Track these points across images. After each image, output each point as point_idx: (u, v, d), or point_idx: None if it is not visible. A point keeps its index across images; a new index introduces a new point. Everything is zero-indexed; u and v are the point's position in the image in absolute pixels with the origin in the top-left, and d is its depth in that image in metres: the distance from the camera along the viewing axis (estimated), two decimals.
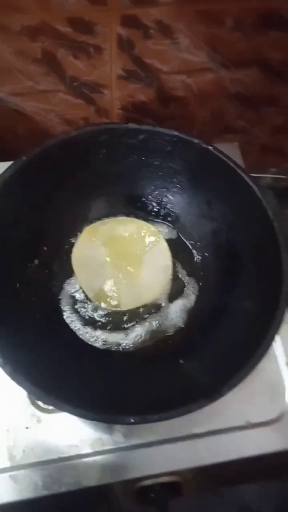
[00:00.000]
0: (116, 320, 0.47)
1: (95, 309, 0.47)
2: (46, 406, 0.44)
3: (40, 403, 0.44)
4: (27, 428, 0.43)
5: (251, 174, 0.43)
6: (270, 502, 0.58)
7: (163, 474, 0.43)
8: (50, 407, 0.44)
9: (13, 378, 0.32)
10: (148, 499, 0.44)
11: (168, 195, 0.49)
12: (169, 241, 0.50)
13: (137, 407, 0.33)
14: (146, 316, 0.47)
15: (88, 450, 0.42)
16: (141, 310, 0.47)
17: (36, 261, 0.45)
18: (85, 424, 0.43)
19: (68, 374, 0.36)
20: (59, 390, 0.33)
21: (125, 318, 0.47)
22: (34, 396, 0.32)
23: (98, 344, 0.44)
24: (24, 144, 0.58)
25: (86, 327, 0.45)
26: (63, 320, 0.45)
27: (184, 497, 0.47)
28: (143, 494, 0.44)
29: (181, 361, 0.41)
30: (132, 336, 0.45)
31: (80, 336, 0.45)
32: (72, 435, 0.43)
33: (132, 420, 0.32)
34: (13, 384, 0.44)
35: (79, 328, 0.45)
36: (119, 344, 0.45)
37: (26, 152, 0.41)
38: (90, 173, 0.45)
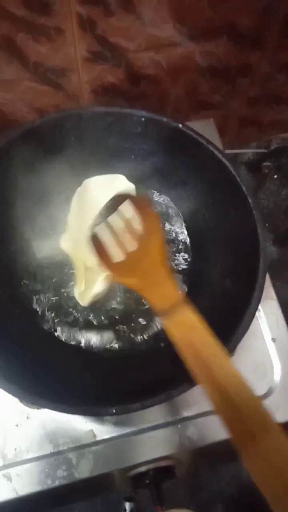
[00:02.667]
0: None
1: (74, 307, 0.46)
2: None
3: None
4: (17, 425, 0.43)
5: (232, 150, 0.42)
6: None
7: (156, 459, 0.43)
8: None
9: None
10: (143, 484, 0.44)
11: (141, 177, 0.48)
12: None
13: (119, 398, 0.33)
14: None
15: (80, 442, 0.42)
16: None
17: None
18: (75, 417, 0.43)
19: (47, 371, 0.36)
20: (37, 388, 0.32)
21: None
22: (13, 395, 0.31)
23: (75, 342, 0.43)
24: None
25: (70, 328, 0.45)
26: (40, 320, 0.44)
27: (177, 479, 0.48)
28: (137, 480, 0.45)
29: (162, 344, 0.40)
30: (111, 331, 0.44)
31: (58, 336, 0.44)
32: (63, 429, 0.43)
33: (113, 411, 0.31)
34: None
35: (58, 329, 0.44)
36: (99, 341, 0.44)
37: None
38: (60, 163, 0.44)
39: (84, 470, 0.41)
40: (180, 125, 0.41)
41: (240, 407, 0.29)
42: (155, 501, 0.43)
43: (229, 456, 0.58)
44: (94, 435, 0.43)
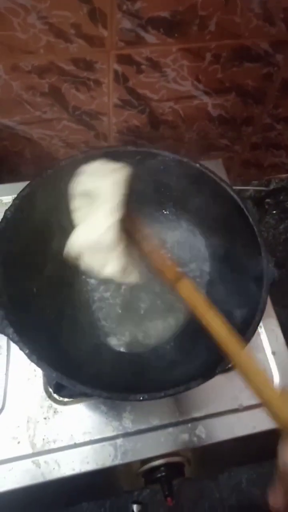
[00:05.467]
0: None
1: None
2: (61, 399, 0.49)
3: (56, 396, 0.49)
4: (45, 418, 0.48)
5: (236, 187, 0.49)
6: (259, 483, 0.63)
7: (167, 454, 0.48)
8: (66, 399, 0.49)
9: (39, 365, 0.37)
10: (155, 479, 0.49)
11: (162, 206, 0.56)
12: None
13: (145, 388, 0.39)
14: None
15: (100, 435, 0.48)
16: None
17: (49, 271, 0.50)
18: (96, 413, 0.49)
19: (84, 362, 0.42)
20: (78, 375, 0.38)
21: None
22: (58, 379, 0.37)
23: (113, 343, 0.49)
24: (29, 166, 0.65)
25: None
26: (80, 316, 0.50)
27: (186, 480, 0.53)
28: (149, 475, 0.49)
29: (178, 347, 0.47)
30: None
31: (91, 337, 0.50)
32: (86, 423, 0.48)
33: (141, 398, 0.37)
34: (32, 381, 0.49)
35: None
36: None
37: (32, 174, 0.47)
38: None
39: (104, 460, 0.46)
40: (198, 165, 0.50)
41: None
42: (167, 494, 0.48)
43: (231, 461, 0.62)
44: (113, 430, 0.48)
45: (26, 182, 0.46)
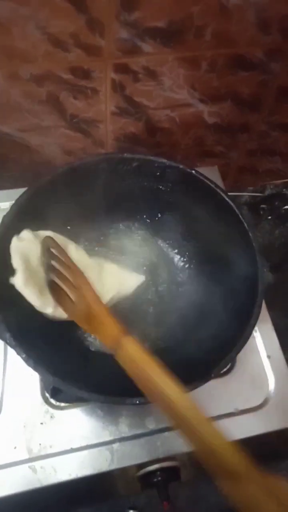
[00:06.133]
0: None
1: None
2: (58, 404, 0.50)
3: (53, 401, 0.49)
4: (42, 424, 0.48)
5: (231, 193, 0.50)
6: None
7: (163, 459, 0.48)
8: (62, 404, 0.49)
9: (36, 370, 0.38)
10: (151, 483, 0.49)
11: (159, 212, 0.56)
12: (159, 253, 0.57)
13: (141, 392, 0.39)
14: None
15: (97, 440, 0.48)
16: None
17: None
18: (92, 418, 0.49)
19: (81, 368, 0.42)
20: (75, 380, 0.39)
21: None
22: (55, 384, 0.37)
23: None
24: (27, 173, 0.66)
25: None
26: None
27: (182, 483, 0.53)
28: (146, 479, 0.50)
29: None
30: None
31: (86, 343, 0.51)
32: (82, 428, 0.48)
33: (137, 401, 0.38)
34: (29, 386, 0.50)
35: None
36: None
37: (30, 180, 0.47)
38: (91, 196, 0.52)
39: (101, 464, 0.46)
40: (193, 171, 0.50)
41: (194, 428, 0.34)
42: (163, 498, 0.48)
43: None
44: (110, 434, 0.48)
45: (24, 189, 0.47)
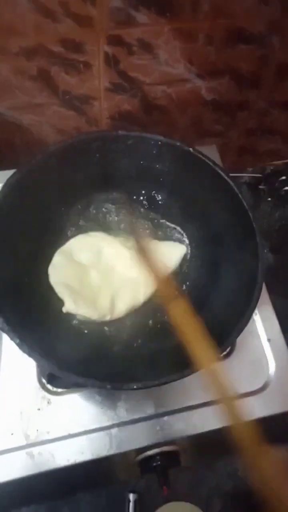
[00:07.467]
0: None
1: None
2: (55, 389, 0.49)
3: (49, 386, 0.48)
4: (38, 409, 0.47)
5: (230, 174, 0.48)
6: None
7: (163, 443, 0.47)
8: (59, 390, 0.48)
9: (30, 356, 0.37)
10: (150, 468, 0.49)
11: (156, 193, 0.55)
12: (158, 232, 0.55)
13: (139, 377, 0.38)
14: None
15: (95, 425, 0.47)
16: None
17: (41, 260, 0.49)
18: (90, 403, 0.48)
19: (78, 353, 0.41)
20: (71, 365, 0.37)
21: None
22: (50, 370, 0.36)
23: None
24: (20, 154, 0.64)
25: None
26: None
27: (181, 468, 0.52)
28: (145, 464, 0.49)
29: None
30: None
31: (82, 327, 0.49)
32: (80, 413, 0.47)
33: (135, 386, 0.37)
34: (24, 371, 0.49)
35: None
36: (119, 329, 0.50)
37: (23, 161, 0.45)
38: (85, 176, 0.50)
39: (99, 450, 0.46)
40: (191, 149, 0.48)
41: None
42: (162, 483, 0.47)
43: (226, 448, 0.62)
44: (108, 419, 0.47)
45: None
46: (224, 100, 0.65)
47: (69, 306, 0.44)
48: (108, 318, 0.47)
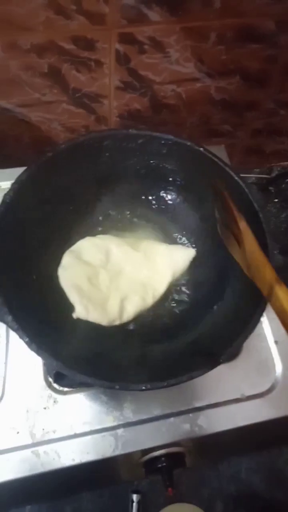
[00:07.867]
0: None
1: None
2: (61, 388, 0.48)
3: (56, 385, 0.48)
4: (45, 408, 0.47)
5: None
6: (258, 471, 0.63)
7: (168, 444, 0.47)
8: (66, 389, 0.48)
9: (39, 354, 0.36)
10: (155, 469, 0.48)
11: (165, 193, 0.54)
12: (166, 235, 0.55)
13: (147, 377, 0.38)
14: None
15: (101, 426, 0.47)
16: None
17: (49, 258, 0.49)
18: (96, 403, 0.48)
19: (85, 352, 0.41)
20: (79, 365, 0.37)
21: None
22: (58, 369, 0.36)
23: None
24: (28, 151, 0.63)
25: None
26: None
27: (185, 469, 0.52)
28: (150, 465, 0.49)
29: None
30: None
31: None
32: (86, 413, 0.47)
33: (143, 387, 0.36)
34: (32, 370, 0.48)
35: None
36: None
37: (31, 159, 0.45)
38: (95, 175, 0.50)
39: (105, 450, 0.45)
40: (202, 149, 0.48)
41: None
42: (167, 484, 0.47)
43: (230, 450, 0.62)
44: (114, 420, 0.47)
45: (25, 168, 0.45)
46: (233, 100, 0.64)
47: (80, 313, 0.44)
48: (117, 323, 0.46)
